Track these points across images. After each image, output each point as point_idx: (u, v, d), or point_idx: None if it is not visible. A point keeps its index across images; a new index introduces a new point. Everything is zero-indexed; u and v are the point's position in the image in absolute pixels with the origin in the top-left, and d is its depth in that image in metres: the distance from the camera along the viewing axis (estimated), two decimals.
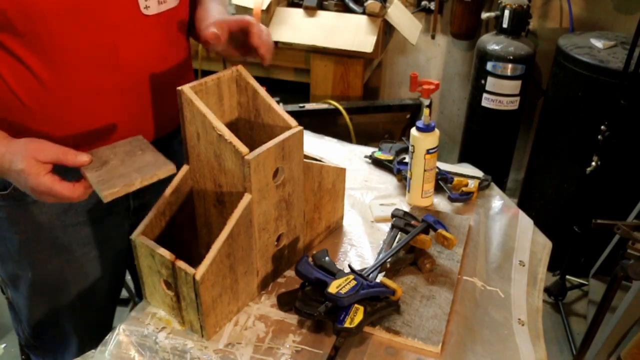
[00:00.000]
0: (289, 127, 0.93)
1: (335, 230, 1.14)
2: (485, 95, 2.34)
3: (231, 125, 0.98)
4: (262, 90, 0.95)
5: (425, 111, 1.14)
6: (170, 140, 1.08)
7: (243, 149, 0.85)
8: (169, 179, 0.90)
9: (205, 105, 0.87)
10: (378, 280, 0.93)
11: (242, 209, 0.88)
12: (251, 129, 1.00)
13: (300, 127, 0.93)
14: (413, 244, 1.02)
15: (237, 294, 0.93)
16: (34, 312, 1.10)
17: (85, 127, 0.95)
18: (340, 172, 1.09)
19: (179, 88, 0.87)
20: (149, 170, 0.85)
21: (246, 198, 0.88)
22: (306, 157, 1.00)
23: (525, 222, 1.21)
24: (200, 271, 0.83)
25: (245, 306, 0.96)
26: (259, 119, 0.98)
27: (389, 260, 0.99)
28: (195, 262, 0.85)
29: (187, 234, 1.02)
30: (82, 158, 0.84)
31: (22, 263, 1.04)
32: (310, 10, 2.07)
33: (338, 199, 1.12)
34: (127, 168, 0.86)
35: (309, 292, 0.90)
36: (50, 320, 1.10)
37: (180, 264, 0.85)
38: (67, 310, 1.09)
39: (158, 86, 1.01)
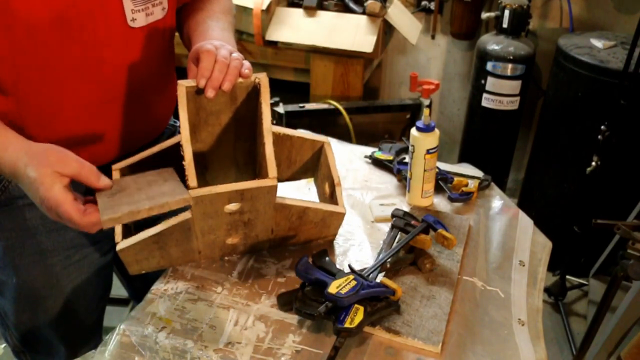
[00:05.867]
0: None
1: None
2: (485, 95, 2.34)
3: (241, 120, 0.97)
4: (266, 117, 0.90)
5: (425, 111, 1.14)
6: (158, 141, 1.07)
7: (192, 182, 0.82)
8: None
9: (186, 114, 0.84)
10: (378, 280, 0.93)
11: (175, 222, 0.87)
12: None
13: (274, 183, 0.85)
14: (413, 244, 1.02)
15: (169, 259, 0.97)
16: (21, 317, 1.08)
17: (70, 137, 0.94)
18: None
19: (179, 82, 0.86)
20: (161, 199, 0.79)
21: (183, 216, 0.87)
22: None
23: (525, 222, 1.21)
24: (120, 246, 0.90)
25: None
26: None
27: (389, 260, 0.99)
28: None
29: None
30: (104, 182, 0.79)
31: (6, 269, 1.03)
32: (310, 10, 2.06)
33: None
34: (141, 195, 0.80)
35: (309, 292, 0.90)
36: (37, 325, 1.09)
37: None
38: (54, 315, 1.08)
39: (143, 95, 1.00)
